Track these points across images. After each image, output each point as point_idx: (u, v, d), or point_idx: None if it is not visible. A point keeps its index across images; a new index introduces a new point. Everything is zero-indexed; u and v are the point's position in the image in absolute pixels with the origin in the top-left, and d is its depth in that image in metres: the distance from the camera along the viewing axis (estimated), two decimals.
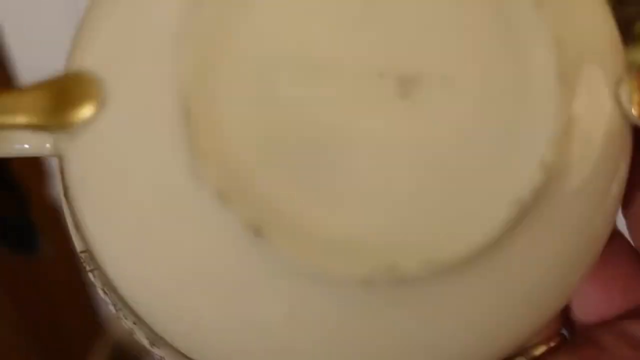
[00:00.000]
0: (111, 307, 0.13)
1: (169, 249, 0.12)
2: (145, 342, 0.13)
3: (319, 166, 0.12)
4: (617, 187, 0.14)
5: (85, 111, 0.12)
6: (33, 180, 0.65)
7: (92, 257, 0.13)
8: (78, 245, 0.13)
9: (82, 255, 0.13)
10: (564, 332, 0.16)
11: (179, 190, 0.12)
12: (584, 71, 0.13)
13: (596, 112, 0.13)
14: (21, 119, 0.12)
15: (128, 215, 0.12)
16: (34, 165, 0.65)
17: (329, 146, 0.12)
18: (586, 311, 0.16)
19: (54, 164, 0.13)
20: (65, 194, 0.13)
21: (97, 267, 0.13)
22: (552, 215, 0.12)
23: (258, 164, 0.12)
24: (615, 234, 0.15)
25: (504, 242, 0.12)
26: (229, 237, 0.12)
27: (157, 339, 0.13)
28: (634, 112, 0.13)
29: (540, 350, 0.15)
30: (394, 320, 0.12)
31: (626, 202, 0.15)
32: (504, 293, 0.13)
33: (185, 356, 0.13)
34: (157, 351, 0.13)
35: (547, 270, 0.13)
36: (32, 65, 0.59)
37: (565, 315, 0.16)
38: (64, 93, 0.12)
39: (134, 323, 0.13)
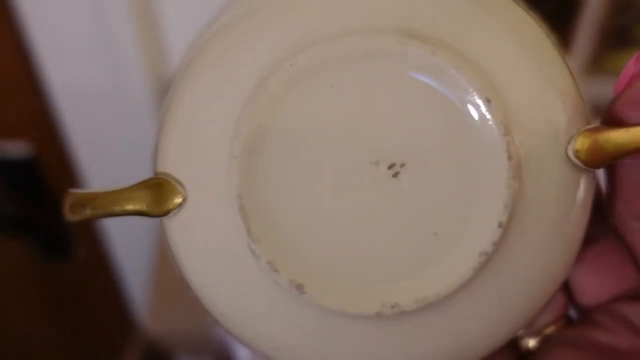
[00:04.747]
0: None
1: (237, 298, 0.17)
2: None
3: (338, 235, 0.17)
4: (574, 220, 0.17)
5: (175, 202, 0.17)
6: (66, 187, 0.69)
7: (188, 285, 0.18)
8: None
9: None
10: (571, 314, 0.20)
11: (242, 261, 0.17)
12: (534, 143, 0.16)
13: (547, 174, 0.17)
14: (133, 208, 0.16)
15: (210, 270, 0.17)
16: (67, 173, 0.69)
17: (345, 218, 0.17)
18: (586, 296, 0.19)
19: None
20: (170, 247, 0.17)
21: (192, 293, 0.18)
22: (510, 260, 0.17)
23: (297, 239, 0.16)
24: (608, 230, 0.18)
25: (474, 282, 0.17)
26: (279, 292, 0.17)
27: None
28: (580, 162, 0.16)
29: (550, 329, 0.19)
30: (396, 341, 0.17)
31: (613, 213, 0.18)
32: (474, 318, 0.17)
33: None
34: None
35: (510, 298, 0.17)
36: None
37: (570, 300, 0.19)
38: (159, 190, 0.17)
39: None
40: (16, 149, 0.67)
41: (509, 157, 0.16)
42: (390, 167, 0.17)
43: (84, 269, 0.75)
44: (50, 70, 0.63)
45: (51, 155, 0.69)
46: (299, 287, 0.16)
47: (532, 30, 0.17)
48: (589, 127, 0.17)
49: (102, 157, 0.70)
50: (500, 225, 0.16)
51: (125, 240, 0.75)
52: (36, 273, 0.74)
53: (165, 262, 0.59)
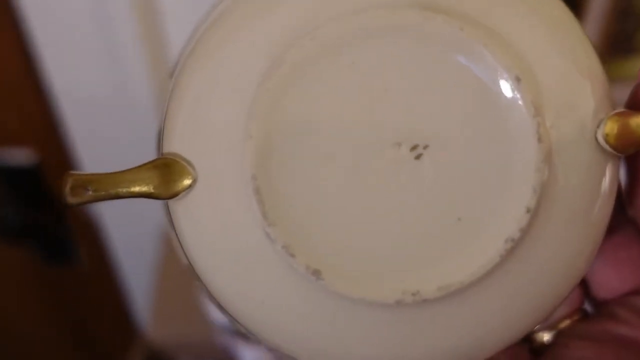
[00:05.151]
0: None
1: (249, 285, 0.16)
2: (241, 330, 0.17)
3: (357, 220, 0.16)
4: (599, 209, 0.16)
5: (184, 184, 0.16)
6: None
7: (194, 272, 0.17)
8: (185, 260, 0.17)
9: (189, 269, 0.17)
10: (586, 307, 0.19)
11: (256, 245, 0.16)
12: (562, 127, 0.16)
13: (575, 158, 0.16)
14: (140, 189, 0.15)
15: (220, 256, 0.16)
16: None
17: (364, 202, 0.16)
18: (603, 289, 0.19)
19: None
20: (175, 232, 0.16)
21: (199, 280, 0.17)
22: (536, 248, 0.16)
23: (313, 223, 0.16)
24: (626, 222, 0.18)
25: (498, 269, 0.16)
26: (294, 278, 0.16)
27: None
28: (610, 147, 0.16)
29: (565, 323, 0.19)
30: (415, 330, 0.16)
31: (632, 205, 0.17)
32: (496, 308, 0.16)
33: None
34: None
35: (534, 288, 0.17)
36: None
37: (586, 293, 0.19)
38: (168, 171, 0.15)
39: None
40: (19, 155, 0.67)
41: (539, 140, 0.15)
42: (413, 148, 0.16)
43: (86, 273, 0.74)
44: (54, 76, 0.63)
45: (54, 160, 0.68)
46: (316, 273, 0.15)
47: (558, 9, 0.17)
48: (618, 110, 0.16)
49: (105, 163, 0.70)
50: (528, 211, 0.15)
51: (128, 245, 0.74)
52: (38, 279, 0.73)
53: (168, 266, 0.59)
